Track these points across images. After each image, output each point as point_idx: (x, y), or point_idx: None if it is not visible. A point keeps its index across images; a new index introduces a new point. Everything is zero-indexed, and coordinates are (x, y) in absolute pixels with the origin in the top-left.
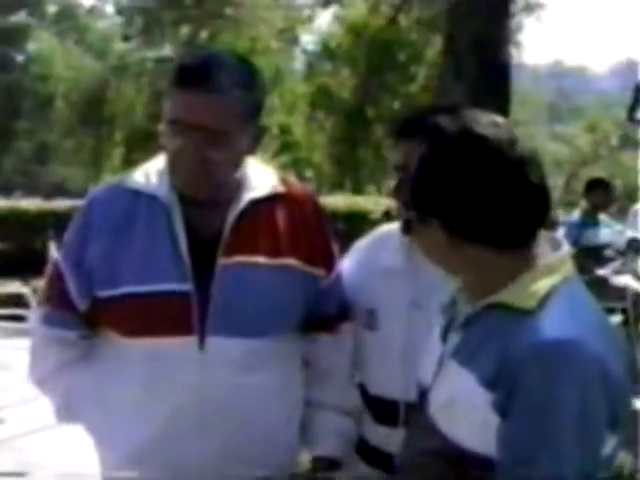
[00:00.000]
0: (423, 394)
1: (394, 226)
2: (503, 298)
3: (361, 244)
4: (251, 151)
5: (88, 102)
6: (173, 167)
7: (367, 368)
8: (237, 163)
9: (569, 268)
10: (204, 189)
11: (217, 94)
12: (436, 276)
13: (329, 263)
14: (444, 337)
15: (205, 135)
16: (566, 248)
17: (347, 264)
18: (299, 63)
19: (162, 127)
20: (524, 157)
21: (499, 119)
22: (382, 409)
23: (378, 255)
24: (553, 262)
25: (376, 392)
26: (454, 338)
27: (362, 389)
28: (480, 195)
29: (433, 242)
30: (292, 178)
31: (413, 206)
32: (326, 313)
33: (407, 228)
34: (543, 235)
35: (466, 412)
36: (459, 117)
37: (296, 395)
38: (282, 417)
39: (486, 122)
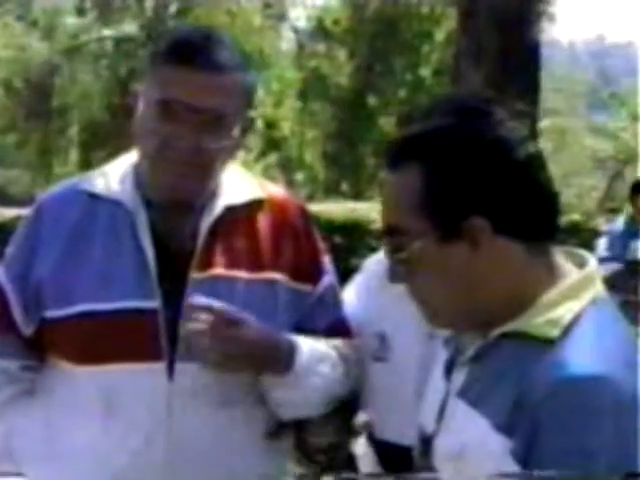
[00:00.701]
0: (426, 441)
1: None
2: (521, 325)
3: (371, 263)
4: (239, 146)
5: (34, 90)
6: (161, 159)
7: (375, 407)
8: (230, 156)
9: (597, 288)
10: (197, 187)
11: (219, 72)
12: None
13: (317, 277)
14: (448, 373)
15: (203, 119)
16: (593, 264)
17: (355, 286)
18: (288, 43)
19: (136, 119)
20: (533, 155)
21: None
22: (392, 457)
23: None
24: (579, 281)
25: (386, 436)
26: (460, 374)
27: (368, 432)
28: (513, 188)
29: (454, 257)
30: (271, 183)
31: (437, 221)
32: (315, 330)
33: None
34: (567, 251)
35: (479, 462)
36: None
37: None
38: (264, 461)
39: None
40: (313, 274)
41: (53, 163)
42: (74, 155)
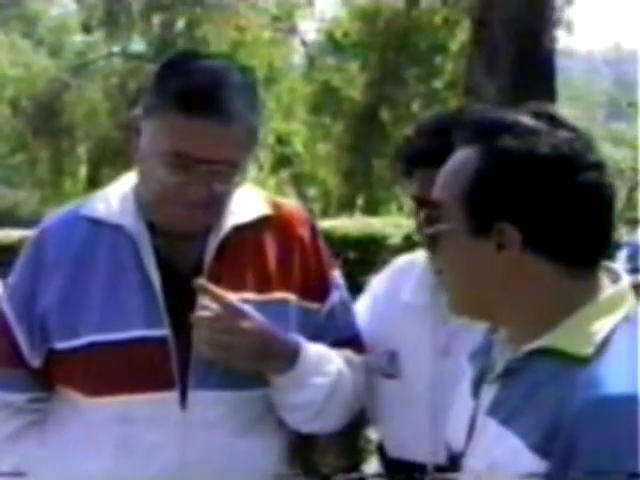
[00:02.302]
0: (454, 460)
1: (417, 256)
2: (554, 342)
3: (379, 277)
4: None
5: (41, 108)
6: (167, 201)
7: (387, 424)
8: (239, 186)
9: (630, 303)
10: (209, 222)
11: (230, 122)
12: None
13: (325, 294)
14: (475, 391)
15: (216, 169)
16: (626, 280)
17: (364, 300)
18: (298, 57)
19: (136, 142)
20: (600, 162)
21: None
22: (405, 475)
23: (399, 288)
24: (612, 297)
25: (398, 454)
26: (489, 391)
27: (380, 451)
28: (567, 200)
29: (487, 259)
30: (281, 198)
31: (470, 210)
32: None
33: (432, 243)
34: (602, 266)
35: None
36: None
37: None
38: None
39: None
40: (322, 291)
41: (63, 181)
42: (83, 173)
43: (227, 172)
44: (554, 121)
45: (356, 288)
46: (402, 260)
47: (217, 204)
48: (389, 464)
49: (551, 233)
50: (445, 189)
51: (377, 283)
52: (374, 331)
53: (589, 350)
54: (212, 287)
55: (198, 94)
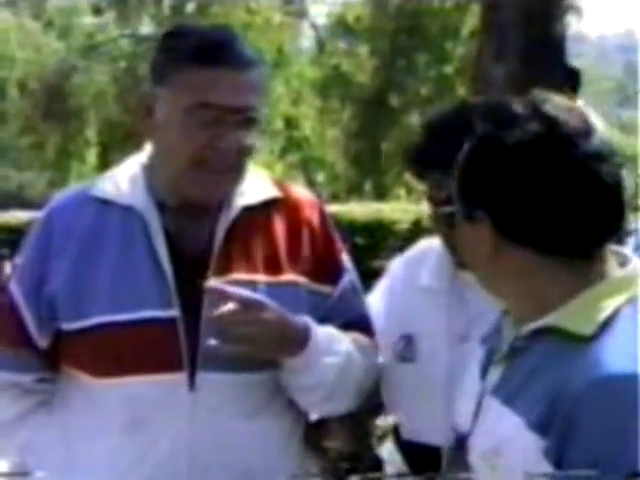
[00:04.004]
0: (461, 440)
1: (435, 242)
2: (556, 321)
3: (398, 261)
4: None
5: (49, 91)
6: (198, 169)
7: (402, 408)
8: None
9: (637, 287)
10: (231, 191)
11: (249, 68)
12: (486, 303)
13: (336, 277)
14: (484, 372)
15: (240, 118)
16: (635, 264)
17: (382, 284)
18: (307, 41)
19: (147, 121)
20: (598, 151)
21: (573, 103)
22: (420, 458)
23: (417, 272)
24: (619, 279)
25: (414, 437)
26: (495, 373)
27: (395, 433)
28: (541, 191)
29: (478, 242)
30: (287, 181)
31: (460, 196)
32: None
33: (449, 222)
34: (610, 249)
35: (512, 460)
36: (524, 100)
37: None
38: (288, 471)
39: (557, 104)
40: (332, 274)
41: (71, 165)
42: (92, 156)
43: (249, 122)
44: (536, 111)
45: (364, 273)
46: (421, 245)
47: (242, 165)
48: (404, 446)
49: (524, 224)
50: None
51: (395, 267)
52: (392, 314)
53: (591, 329)
54: (223, 287)
55: (215, 45)
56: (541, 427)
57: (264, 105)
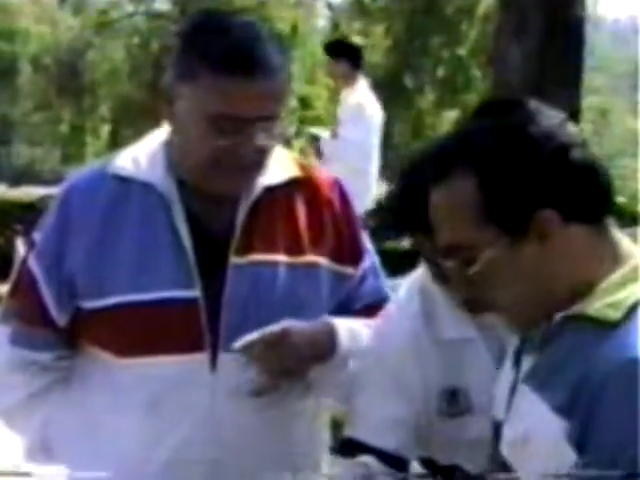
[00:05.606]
0: (497, 429)
1: (433, 287)
2: (584, 308)
3: (404, 316)
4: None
5: (64, 67)
6: (217, 165)
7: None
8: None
9: None
10: (245, 187)
11: (272, 76)
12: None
13: (358, 258)
14: (517, 360)
15: (261, 126)
16: None
17: (396, 343)
18: (322, 20)
19: (167, 109)
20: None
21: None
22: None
23: (434, 327)
24: None
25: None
26: (528, 360)
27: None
28: (569, 173)
29: (527, 256)
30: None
31: (504, 226)
32: (354, 311)
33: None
34: (632, 233)
35: (539, 447)
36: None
37: (325, 431)
38: (311, 458)
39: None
40: (354, 255)
41: (85, 140)
42: (105, 132)
43: (270, 127)
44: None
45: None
46: (421, 294)
47: (260, 164)
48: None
49: (574, 198)
50: (460, 228)
51: (404, 327)
52: (428, 372)
53: (616, 315)
54: (246, 340)
55: (237, 53)
56: (566, 411)
57: (285, 105)
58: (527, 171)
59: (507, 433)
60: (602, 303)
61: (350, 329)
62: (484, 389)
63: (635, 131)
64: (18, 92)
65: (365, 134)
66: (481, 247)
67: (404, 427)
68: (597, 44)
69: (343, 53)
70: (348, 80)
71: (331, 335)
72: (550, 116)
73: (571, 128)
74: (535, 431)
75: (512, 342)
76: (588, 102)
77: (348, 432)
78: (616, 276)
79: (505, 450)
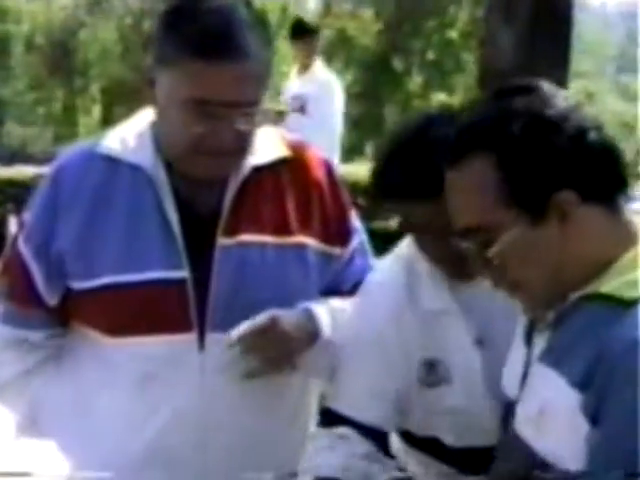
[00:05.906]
0: (509, 408)
1: (418, 259)
2: (600, 288)
3: (382, 288)
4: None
5: (56, 45)
6: (195, 151)
7: (434, 426)
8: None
9: None
10: (227, 171)
11: (248, 60)
12: (491, 308)
13: (346, 238)
14: (528, 338)
15: (239, 111)
16: None
17: (375, 313)
18: (311, 1)
19: (150, 91)
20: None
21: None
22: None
23: (416, 298)
24: None
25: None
26: (541, 340)
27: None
28: (586, 153)
29: (548, 236)
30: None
31: (524, 206)
32: (342, 291)
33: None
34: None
35: (556, 420)
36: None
37: (313, 405)
38: (299, 433)
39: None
40: (342, 236)
41: (77, 120)
42: (97, 112)
43: (250, 112)
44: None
45: (367, 234)
46: (404, 264)
47: (243, 149)
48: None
49: (592, 178)
50: (480, 210)
51: (385, 296)
52: (406, 342)
53: (634, 294)
54: (239, 332)
55: (213, 38)
56: (582, 385)
57: (268, 89)
58: (547, 152)
59: (522, 410)
60: (617, 282)
61: (332, 309)
62: (462, 360)
63: (620, 114)
64: (10, 72)
65: (333, 111)
66: (501, 229)
67: (384, 399)
68: (584, 28)
69: (304, 33)
70: (311, 58)
71: (312, 319)
72: (565, 99)
73: (586, 110)
74: (552, 404)
75: (522, 320)
76: (575, 85)
77: (329, 403)
78: (630, 255)
79: (520, 428)
